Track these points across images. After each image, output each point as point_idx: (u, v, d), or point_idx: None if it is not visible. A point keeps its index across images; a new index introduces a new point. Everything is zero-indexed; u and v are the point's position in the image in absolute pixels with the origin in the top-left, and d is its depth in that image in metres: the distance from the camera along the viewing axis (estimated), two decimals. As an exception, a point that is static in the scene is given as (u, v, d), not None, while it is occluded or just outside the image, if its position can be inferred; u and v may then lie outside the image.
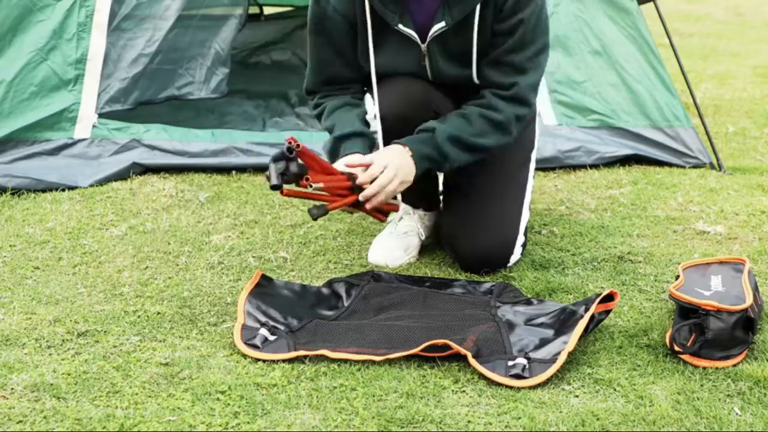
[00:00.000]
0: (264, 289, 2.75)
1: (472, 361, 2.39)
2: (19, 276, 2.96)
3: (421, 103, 2.95)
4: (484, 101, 2.90)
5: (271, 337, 2.52)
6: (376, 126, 2.94)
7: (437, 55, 2.95)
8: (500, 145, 2.93)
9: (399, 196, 3.04)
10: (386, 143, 2.91)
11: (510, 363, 2.39)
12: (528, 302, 2.75)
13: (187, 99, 4.72)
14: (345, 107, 2.98)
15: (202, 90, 4.80)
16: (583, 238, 3.30)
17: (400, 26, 2.89)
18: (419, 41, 2.92)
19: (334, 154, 2.93)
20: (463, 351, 2.40)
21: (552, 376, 2.36)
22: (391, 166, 2.78)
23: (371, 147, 2.92)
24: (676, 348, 2.46)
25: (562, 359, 2.38)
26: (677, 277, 2.73)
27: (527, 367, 2.38)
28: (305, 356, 2.45)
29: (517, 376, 2.35)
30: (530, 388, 2.33)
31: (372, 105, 2.98)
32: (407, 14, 2.89)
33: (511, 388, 2.33)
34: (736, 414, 2.24)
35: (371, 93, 2.99)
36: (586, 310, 2.54)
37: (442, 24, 2.88)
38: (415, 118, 2.91)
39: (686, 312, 2.52)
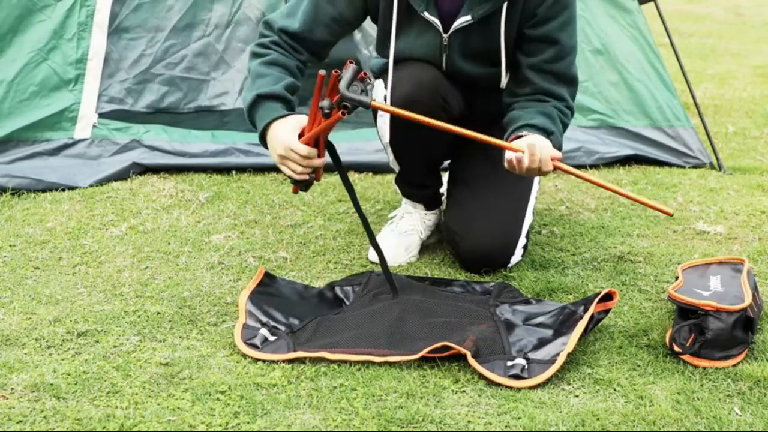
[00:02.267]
0: (267, 288, 2.75)
1: (471, 361, 2.39)
2: (19, 276, 2.96)
3: (430, 88, 2.92)
4: (552, 104, 2.90)
5: (271, 338, 2.52)
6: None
7: (456, 49, 2.94)
8: None
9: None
10: (392, 124, 2.94)
11: (509, 363, 2.39)
12: (527, 302, 2.76)
13: (219, 110, 4.45)
14: (284, 70, 2.89)
15: (237, 100, 4.46)
16: (583, 238, 3.30)
17: (426, 13, 2.89)
18: (442, 31, 2.92)
19: (252, 109, 2.85)
20: (462, 350, 2.40)
21: (551, 377, 2.36)
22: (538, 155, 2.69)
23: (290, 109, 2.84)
24: (676, 348, 2.46)
25: (561, 360, 2.38)
26: (676, 278, 2.73)
27: (526, 367, 2.38)
28: (304, 358, 2.45)
29: (516, 376, 2.35)
30: (529, 388, 2.33)
31: (383, 89, 2.97)
32: (433, 2, 2.89)
33: (510, 388, 2.33)
34: (736, 414, 2.24)
35: (385, 79, 2.97)
36: (585, 310, 2.54)
37: (468, 18, 2.87)
38: (422, 102, 2.88)
39: (686, 313, 2.52)
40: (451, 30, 2.91)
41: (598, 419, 2.21)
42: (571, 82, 2.95)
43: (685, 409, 2.25)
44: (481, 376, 2.37)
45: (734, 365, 2.43)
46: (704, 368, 2.42)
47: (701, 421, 2.21)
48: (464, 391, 2.33)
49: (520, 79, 2.95)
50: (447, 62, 2.98)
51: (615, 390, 2.34)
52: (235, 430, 2.16)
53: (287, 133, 2.76)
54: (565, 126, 2.92)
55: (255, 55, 2.94)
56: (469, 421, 2.20)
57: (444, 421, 2.20)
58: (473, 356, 2.40)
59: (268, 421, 2.19)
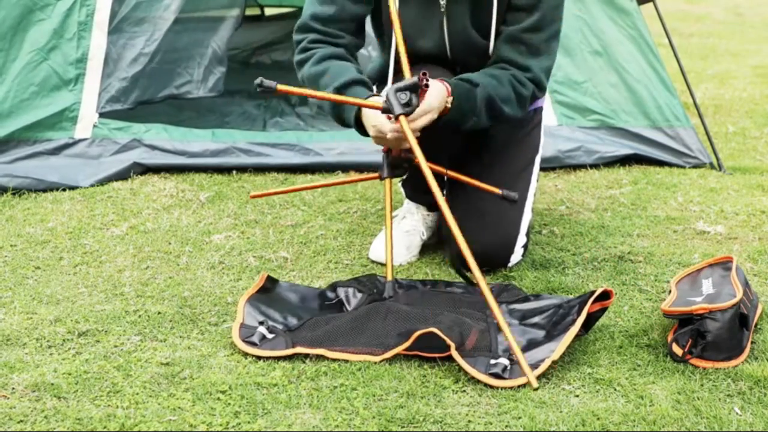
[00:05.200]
0: (267, 293, 2.75)
1: (454, 354, 2.39)
2: (20, 276, 2.96)
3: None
4: (511, 72, 2.86)
5: (269, 335, 2.52)
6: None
7: (456, 18, 2.91)
8: (512, 118, 2.91)
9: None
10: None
11: (492, 362, 2.39)
12: (525, 299, 2.76)
13: (185, 98, 4.74)
14: (339, 59, 2.87)
15: (200, 89, 4.81)
16: (584, 238, 3.31)
17: None
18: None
19: (337, 105, 2.83)
20: (448, 341, 2.40)
21: (539, 377, 2.36)
22: (434, 112, 2.70)
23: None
24: (679, 353, 2.45)
25: (544, 366, 2.37)
26: (669, 291, 2.74)
27: (508, 368, 2.37)
28: (303, 354, 2.45)
29: (496, 375, 2.35)
30: (512, 388, 2.32)
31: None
32: None
33: (510, 388, 2.33)
34: (736, 414, 2.24)
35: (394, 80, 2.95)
36: (579, 311, 2.53)
37: None
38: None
39: (685, 322, 2.51)
40: None
41: (598, 419, 2.21)
42: (545, 56, 2.89)
43: (685, 409, 2.25)
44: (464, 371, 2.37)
45: (735, 366, 2.43)
46: (704, 368, 2.43)
47: (701, 421, 2.21)
48: (464, 390, 2.33)
49: (493, 50, 2.92)
50: (450, 37, 2.94)
51: (615, 390, 2.34)
52: (236, 430, 2.16)
53: (375, 115, 2.72)
54: (520, 96, 2.86)
55: (301, 63, 2.90)
56: (469, 421, 2.20)
57: (444, 420, 2.20)
58: (457, 349, 2.40)
59: (268, 421, 2.19)
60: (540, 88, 2.92)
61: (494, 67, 2.90)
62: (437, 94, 2.71)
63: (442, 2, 2.90)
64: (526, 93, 2.88)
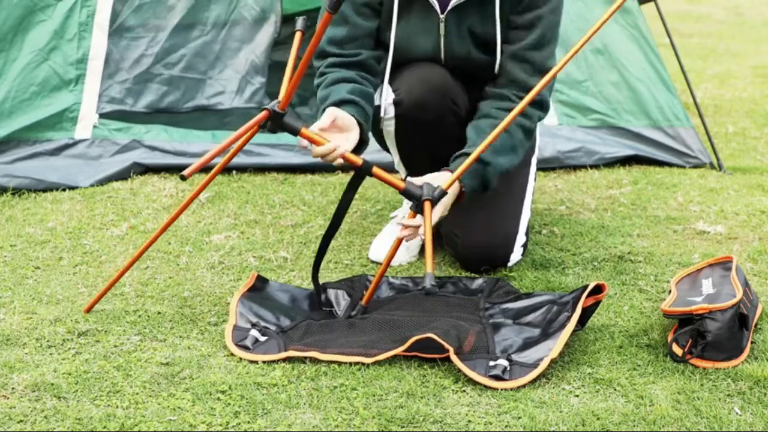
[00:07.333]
0: (258, 292, 2.75)
1: (453, 358, 2.39)
2: (19, 276, 2.96)
3: (439, 90, 2.93)
4: (516, 104, 2.84)
5: (262, 338, 2.52)
6: (388, 103, 2.93)
7: (454, 31, 2.93)
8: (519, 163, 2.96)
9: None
10: (401, 128, 2.92)
11: (491, 363, 2.39)
12: (518, 298, 2.75)
13: (215, 109, 4.49)
14: (346, 83, 2.87)
15: (235, 99, 4.52)
16: (584, 238, 3.31)
17: None
18: (439, 11, 2.91)
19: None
20: (446, 345, 2.40)
21: (539, 377, 2.36)
22: (440, 211, 2.69)
23: (364, 119, 2.79)
24: (679, 353, 2.45)
25: (543, 365, 2.37)
26: (669, 292, 2.74)
27: (508, 369, 2.37)
28: (295, 357, 2.45)
29: (497, 377, 2.35)
30: (512, 389, 2.32)
31: (389, 90, 2.95)
32: None
33: (509, 388, 2.33)
34: (736, 414, 2.24)
35: (390, 81, 2.96)
36: (573, 307, 2.53)
37: None
38: (432, 105, 2.90)
39: (685, 322, 2.51)
40: (448, 8, 2.90)
41: (598, 419, 2.21)
42: (547, 72, 2.88)
43: (685, 409, 2.25)
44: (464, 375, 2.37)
45: (735, 366, 2.43)
46: (704, 368, 2.43)
47: (701, 421, 2.21)
48: (464, 390, 2.33)
49: (500, 67, 2.95)
50: (446, 48, 2.96)
51: (615, 390, 2.34)
52: (236, 430, 2.16)
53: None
54: (526, 129, 2.90)
55: (316, 87, 2.92)
56: (469, 421, 2.20)
57: (444, 420, 2.20)
58: (456, 353, 2.40)
59: (268, 421, 2.19)
60: (544, 108, 2.95)
61: (500, 100, 2.91)
62: (441, 206, 2.68)
63: (441, 16, 2.91)
64: (531, 125, 2.92)
